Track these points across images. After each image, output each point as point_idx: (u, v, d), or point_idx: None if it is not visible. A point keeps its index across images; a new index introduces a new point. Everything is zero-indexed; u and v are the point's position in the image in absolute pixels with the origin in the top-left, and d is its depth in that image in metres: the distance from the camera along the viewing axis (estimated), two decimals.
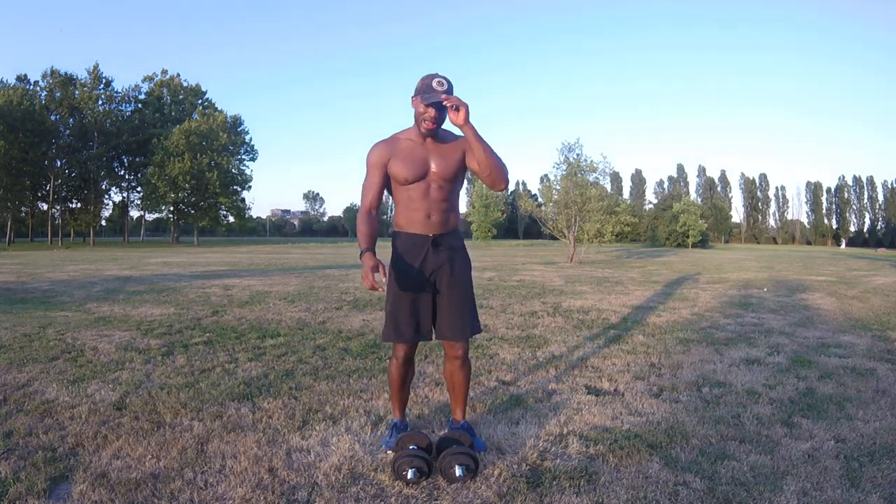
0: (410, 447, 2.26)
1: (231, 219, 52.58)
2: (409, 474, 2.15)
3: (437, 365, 3.91)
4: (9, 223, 43.29)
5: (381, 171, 2.39)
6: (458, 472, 2.15)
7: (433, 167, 2.36)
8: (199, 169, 45.43)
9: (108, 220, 58.79)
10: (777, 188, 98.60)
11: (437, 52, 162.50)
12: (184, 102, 52.42)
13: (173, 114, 51.39)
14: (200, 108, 50.34)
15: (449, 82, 2.29)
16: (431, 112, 2.29)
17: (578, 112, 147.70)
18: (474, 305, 2.51)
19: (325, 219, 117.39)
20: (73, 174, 47.67)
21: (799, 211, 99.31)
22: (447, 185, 2.40)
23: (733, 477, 2.20)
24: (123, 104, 50.77)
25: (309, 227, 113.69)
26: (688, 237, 49.37)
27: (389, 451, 2.40)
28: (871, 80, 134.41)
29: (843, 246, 68.68)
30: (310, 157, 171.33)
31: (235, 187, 50.66)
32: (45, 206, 48.16)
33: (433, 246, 2.39)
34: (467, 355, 2.50)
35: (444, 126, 2.37)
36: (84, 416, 2.80)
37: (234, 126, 50.55)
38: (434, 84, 2.26)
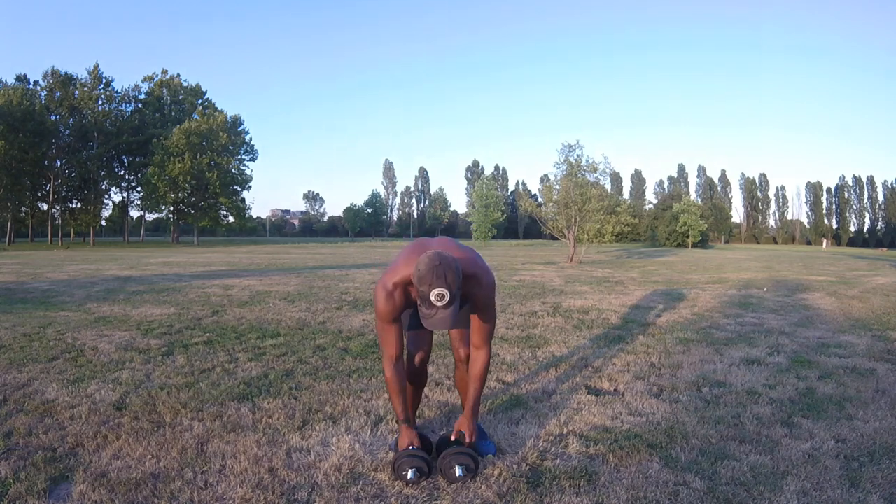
0: (410, 447, 2.27)
1: (231, 219, 52.60)
2: (409, 474, 2.15)
3: (436, 365, 3.91)
4: (9, 223, 43.33)
5: (397, 322, 2.26)
6: (458, 472, 2.15)
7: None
8: (199, 169, 45.47)
9: (108, 220, 58.83)
10: (777, 188, 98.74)
11: (437, 50, 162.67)
12: (184, 102, 52.49)
13: (173, 114, 51.47)
14: (200, 108, 50.39)
15: (449, 285, 1.97)
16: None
17: (578, 111, 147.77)
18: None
19: (325, 219, 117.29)
20: (73, 174, 47.71)
21: (799, 211, 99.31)
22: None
23: (733, 477, 2.20)
24: (123, 104, 50.95)
25: (309, 227, 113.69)
26: (688, 237, 49.39)
27: (392, 452, 2.41)
28: (871, 79, 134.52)
29: (825, 246, 67.81)
30: (310, 157, 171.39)
31: (235, 187, 50.70)
32: (45, 206, 48.22)
33: None
34: None
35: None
36: (84, 416, 2.80)
37: (234, 126, 50.60)
38: (433, 298, 1.97)
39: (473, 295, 2.22)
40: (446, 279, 1.96)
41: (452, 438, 2.29)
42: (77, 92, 46.26)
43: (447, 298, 1.96)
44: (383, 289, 2.21)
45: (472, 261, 2.25)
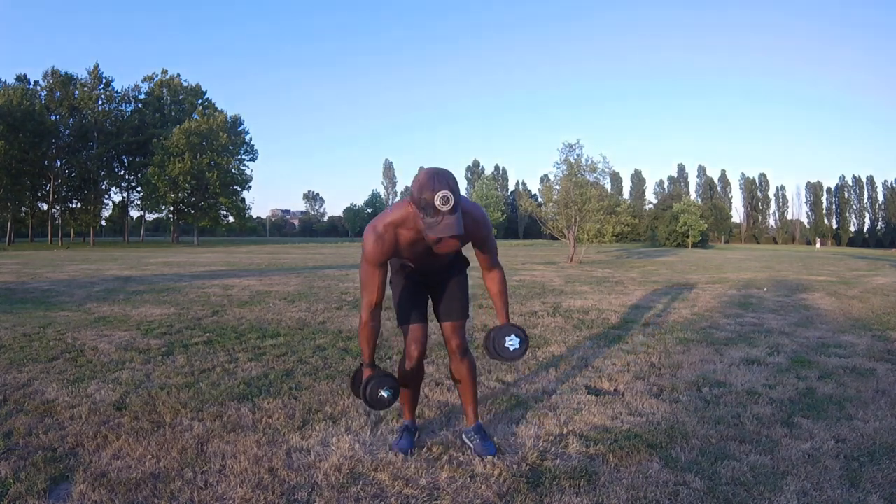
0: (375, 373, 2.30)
1: (231, 219, 52.59)
2: (385, 393, 2.20)
3: (436, 365, 3.91)
4: (9, 223, 43.31)
5: (383, 268, 2.21)
6: (513, 343, 2.31)
7: (438, 251, 2.27)
8: (199, 169, 45.45)
9: (108, 220, 58.79)
10: (777, 188, 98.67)
11: (437, 51, 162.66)
12: (184, 102, 52.45)
13: (173, 114, 51.42)
14: (200, 108, 50.34)
15: (452, 189, 1.93)
16: (444, 242, 2.12)
17: (579, 111, 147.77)
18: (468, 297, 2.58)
19: (325, 219, 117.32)
20: (73, 174, 47.69)
21: (799, 211, 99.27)
22: (451, 255, 2.41)
23: (733, 477, 2.20)
24: (123, 104, 50.89)
25: (309, 227, 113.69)
26: (688, 237, 49.39)
27: (400, 453, 2.39)
28: (871, 79, 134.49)
29: (818, 245, 68.30)
30: (310, 157, 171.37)
31: (235, 187, 50.68)
32: (45, 206, 48.19)
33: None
34: (467, 347, 2.53)
35: None
36: (84, 416, 2.80)
37: (234, 126, 50.59)
38: (438, 203, 1.91)
39: (471, 233, 2.20)
40: (448, 183, 1.93)
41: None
42: (77, 92, 46.25)
43: (451, 201, 1.91)
44: (373, 230, 2.16)
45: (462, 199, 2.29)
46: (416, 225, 2.07)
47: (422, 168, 2.05)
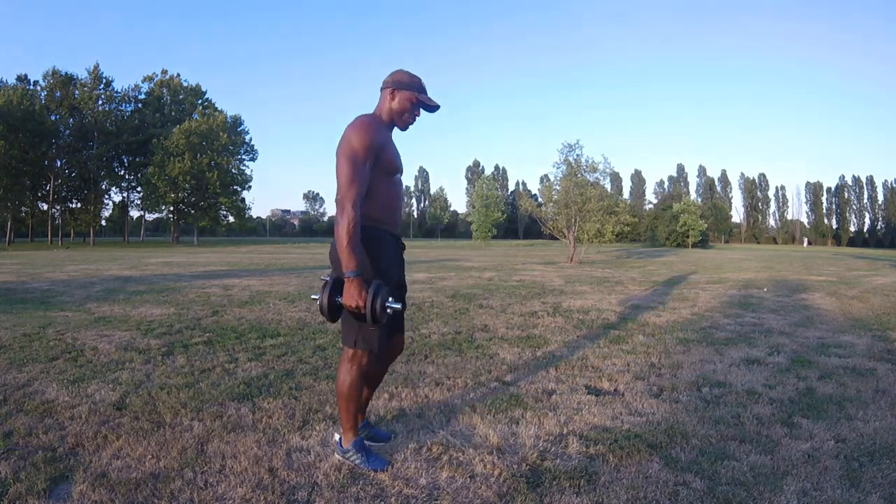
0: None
1: (231, 219, 52.60)
2: (396, 305, 2.10)
3: (437, 365, 3.91)
4: (9, 223, 43.30)
5: (374, 156, 2.15)
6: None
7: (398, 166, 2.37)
8: (199, 169, 45.45)
9: (108, 220, 58.83)
10: (777, 188, 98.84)
11: (438, 52, 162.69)
12: (184, 102, 52.45)
13: (173, 114, 51.43)
14: (200, 108, 50.34)
15: None
16: (418, 113, 2.32)
17: (579, 112, 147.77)
18: None
19: (325, 219, 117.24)
20: (73, 174, 47.70)
21: (799, 211, 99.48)
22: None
23: (733, 477, 2.20)
24: (123, 104, 50.90)
25: (309, 227, 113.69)
26: (688, 237, 49.43)
27: (381, 472, 2.22)
28: (871, 79, 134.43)
29: (805, 244, 70.21)
30: (310, 157, 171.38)
31: (235, 187, 50.66)
32: (45, 206, 48.20)
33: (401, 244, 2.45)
34: None
35: None
36: (84, 416, 2.80)
37: (234, 126, 50.56)
38: (422, 83, 2.30)
39: None
40: None
41: None
42: (77, 92, 46.27)
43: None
44: (362, 123, 2.15)
45: None
46: (385, 120, 2.28)
47: (396, 71, 2.33)
